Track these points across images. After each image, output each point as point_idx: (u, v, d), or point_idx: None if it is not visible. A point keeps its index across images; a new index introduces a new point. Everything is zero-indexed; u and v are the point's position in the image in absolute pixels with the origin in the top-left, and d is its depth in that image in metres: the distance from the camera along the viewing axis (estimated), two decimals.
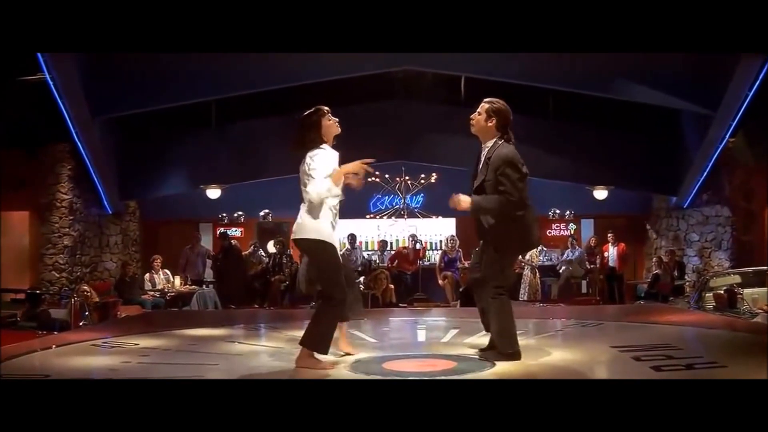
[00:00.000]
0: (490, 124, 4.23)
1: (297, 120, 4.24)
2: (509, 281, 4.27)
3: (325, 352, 4.13)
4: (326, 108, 4.23)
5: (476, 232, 4.37)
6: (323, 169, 4.02)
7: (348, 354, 4.49)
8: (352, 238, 13.06)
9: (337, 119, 4.23)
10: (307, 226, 4.08)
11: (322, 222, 4.07)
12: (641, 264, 14.61)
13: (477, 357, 4.30)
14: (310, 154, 4.10)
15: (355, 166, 4.10)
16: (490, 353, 4.26)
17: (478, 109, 4.29)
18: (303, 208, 4.13)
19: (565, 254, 13.07)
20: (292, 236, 4.22)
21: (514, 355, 4.15)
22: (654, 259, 12.72)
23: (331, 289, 4.08)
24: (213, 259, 12.69)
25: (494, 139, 4.22)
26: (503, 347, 4.18)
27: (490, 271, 4.22)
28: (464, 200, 4.08)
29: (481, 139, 4.30)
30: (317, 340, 4.07)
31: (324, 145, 4.15)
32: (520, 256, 12.43)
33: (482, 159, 4.23)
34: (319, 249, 4.09)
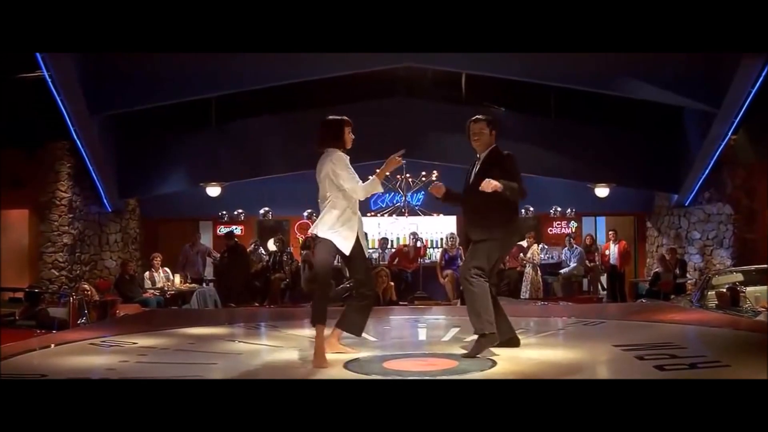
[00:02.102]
0: (492, 135, 4.56)
1: (321, 121, 4.59)
2: (490, 270, 4.41)
3: (316, 323, 4.29)
4: (350, 121, 4.58)
5: (467, 228, 4.59)
6: (350, 170, 4.41)
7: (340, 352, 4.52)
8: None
9: (353, 137, 4.59)
10: (320, 223, 4.43)
11: (331, 220, 4.38)
12: (643, 262, 14.59)
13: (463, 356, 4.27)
14: (333, 159, 4.40)
15: (392, 163, 4.50)
16: (471, 349, 4.30)
17: (477, 128, 4.56)
18: (324, 207, 4.45)
19: (564, 253, 13.03)
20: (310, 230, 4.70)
21: (488, 338, 4.25)
22: (656, 257, 12.68)
23: (316, 275, 4.41)
24: (220, 258, 12.69)
25: (490, 147, 4.56)
26: (482, 328, 4.26)
27: (476, 254, 4.37)
28: (495, 182, 4.23)
29: (480, 150, 4.60)
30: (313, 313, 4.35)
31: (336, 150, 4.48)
32: (522, 254, 12.46)
33: (479, 164, 4.56)
34: (318, 243, 4.43)
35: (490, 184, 4.20)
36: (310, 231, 4.61)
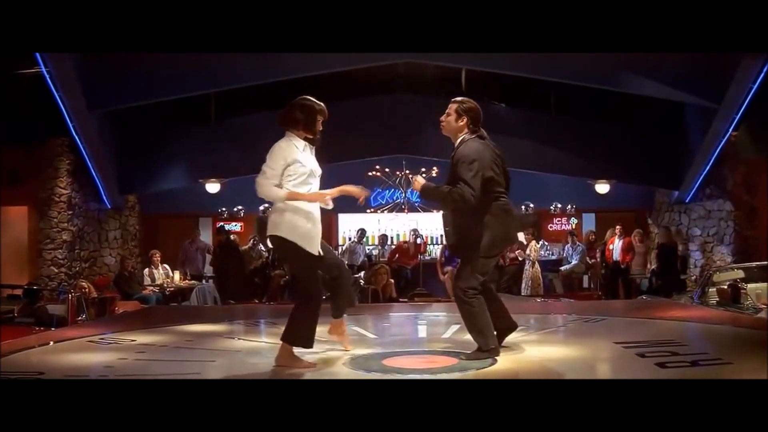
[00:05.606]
0: (461, 123, 4.16)
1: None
2: (481, 279, 4.10)
3: (307, 347, 3.98)
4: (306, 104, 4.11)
5: (445, 238, 4.36)
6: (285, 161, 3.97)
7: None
8: (361, 233, 13.03)
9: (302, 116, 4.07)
10: (277, 222, 3.98)
11: (293, 218, 3.93)
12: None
13: (462, 359, 4.11)
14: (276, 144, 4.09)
15: (350, 192, 4.08)
16: (471, 353, 4.11)
17: (447, 110, 4.21)
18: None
19: (566, 249, 13.00)
20: (267, 232, 4.08)
21: (492, 351, 4.04)
22: (653, 254, 12.64)
23: (305, 288, 4.01)
24: (212, 255, 12.68)
25: (462, 137, 4.16)
26: (486, 343, 4.05)
27: (465, 272, 4.10)
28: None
29: (453, 139, 4.22)
30: (296, 336, 3.96)
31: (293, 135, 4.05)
32: (520, 251, 12.43)
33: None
34: (286, 248, 3.96)
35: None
36: (268, 231, 4.01)
